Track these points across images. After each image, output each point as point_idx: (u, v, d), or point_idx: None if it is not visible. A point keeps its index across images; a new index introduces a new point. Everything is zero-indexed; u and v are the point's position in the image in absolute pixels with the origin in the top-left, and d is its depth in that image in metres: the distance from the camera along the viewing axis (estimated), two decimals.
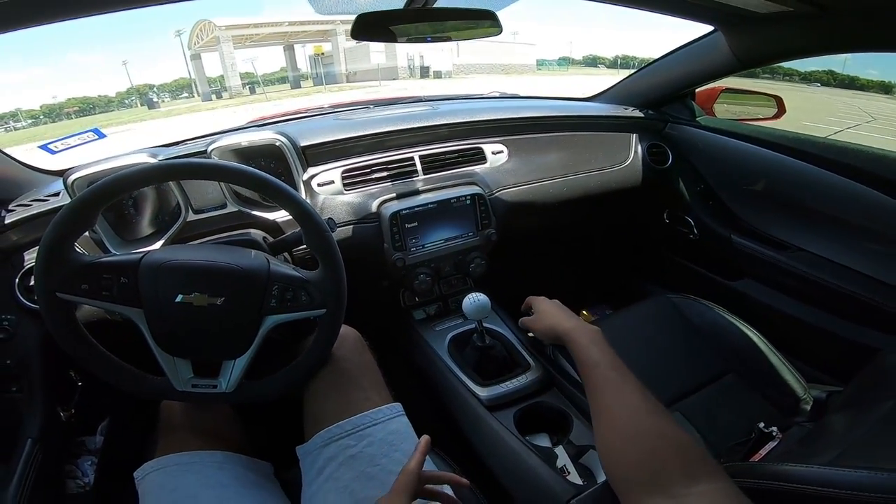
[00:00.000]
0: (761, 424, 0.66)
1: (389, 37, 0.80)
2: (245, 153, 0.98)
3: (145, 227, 0.95)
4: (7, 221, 0.86)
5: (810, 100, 15.52)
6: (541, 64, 45.77)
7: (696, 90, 1.47)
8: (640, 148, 1.42)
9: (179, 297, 0.63)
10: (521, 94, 1.73)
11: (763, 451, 0.63)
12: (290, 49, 33.40)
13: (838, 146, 1.15)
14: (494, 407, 0.87)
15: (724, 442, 0.78)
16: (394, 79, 28.52)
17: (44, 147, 1.11)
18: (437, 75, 30.53)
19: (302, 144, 1.03)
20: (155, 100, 35.55)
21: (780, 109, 1.50)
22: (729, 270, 1.35)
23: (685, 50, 1.32)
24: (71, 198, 0.86)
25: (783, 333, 1.07)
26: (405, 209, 1.04)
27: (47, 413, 0.84)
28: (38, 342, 0.86)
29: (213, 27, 26.47)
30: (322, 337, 0.71)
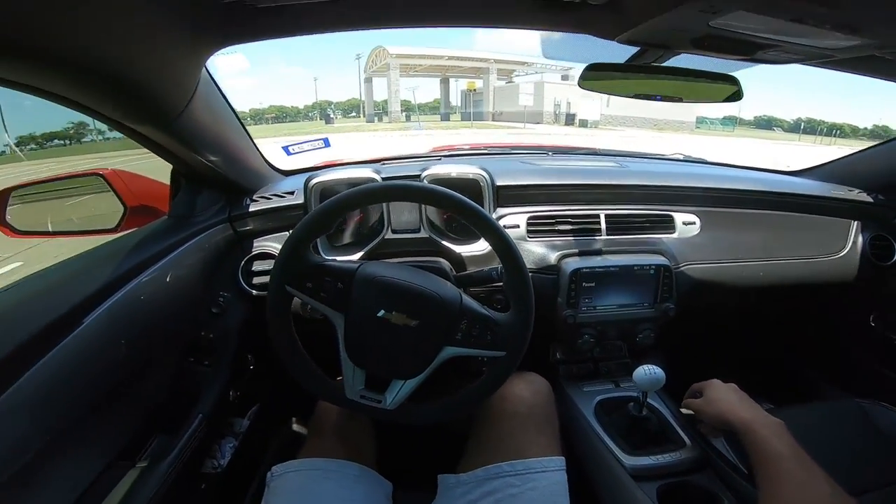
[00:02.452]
0: None
1: (618, 90, 0.78)
2: (449, 183, 1.00)
3: (348, 236, 1.05)
4: (251, 209, 0.99)
5: None
6: (700, 122, 41.95)
7: None
8: (861, 238, 1.21)
9: (381, 312, 0.67)
10: (709, 160, 1.58)
11: None
12: (445, 82, 36.35)
13: None
14: (639, 477, 0.81)
15: None
16: (538, 123, 28.93)
17: (284, 149, 1.31)
18: (583, 124, 30.22)
19: (498, 184, 1.04)
20: (331, 116, 41.44)
21: None
22: None
23: None
24: (306, 199, 0.98)
25: None
26: (586, 268, 1.00)
27: (222, 392, 0.90)
28: (239, 323, 0.94)
29: (387, 54, 30.06)
30: (493, 377, 0.72)
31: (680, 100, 0.79)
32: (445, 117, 36.05)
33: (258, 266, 0.98)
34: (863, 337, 1.30)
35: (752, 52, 0.68)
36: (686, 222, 1.11)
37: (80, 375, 0.56)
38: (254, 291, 0.97)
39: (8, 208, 0.92)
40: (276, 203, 1.01)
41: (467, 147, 1.44)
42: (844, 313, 1.36)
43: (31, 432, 0.49)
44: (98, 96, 0.59)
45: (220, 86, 0.82)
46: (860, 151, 1.32)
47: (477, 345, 0.69)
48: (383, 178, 1.00)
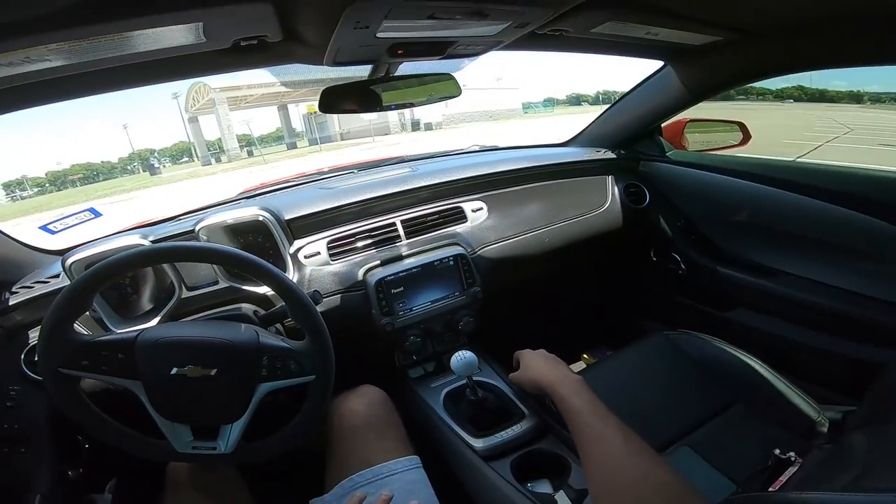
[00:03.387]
0: (777, 451, 0.64)
1: (355, 108, 0.84)
2: (233, 230, 1.02)
3: (143, 305, 1.00)
4: (11, 303, 0.92)
5: (787, 116, 15.88)
6: (527, 107, 47.32)
7: (662, 125, 1.51)
8: (616, 189, 1.45)
9: (174, 370, 0.69)
10: (500, 146, 1.77)
11: (783, 478, 0.61)
12: (283, 109, 34.76)
13: (806, 168, 1.19)
14: (491, 457, 0.87)
15: (741, 472, 0.77)
16: (386, 133, 29.38)
17: (44, 228, 1.17)
18: (428, 127, 31.63)
19: (286, 217, 1.06)
20: (156, 165, 36.69)
21: (745, 136, 1.52)
22: (721, 302, 1.34)
23: (642, 87, 1.37)
24: (70, 280, 0.91)
25: (785, 358, 1.06)
26: (390, 275, 1.06)
27: (56, 471, 0.87)
28: (45, 410, 0.90)
29: (209, 90, 27.66)
30: (312, 401, 0.76)
31: (411, 105, 0.89)
32: (292, 145, 34.48)
33: None
34: (652, 272, 1.54)
35: (442, 50, 0.78)
36: (475, 209, 1.24)
37: None
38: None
39: None
40: (39, 290, 0.93)
41: (272, 183, 1.42)
42: (633, 256, 1.58)
43: None
44: None
45: None
46: (600, 115, 1.57)
47: (285, 375, 0.73)
48: (152, 241, 0.95)
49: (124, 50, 0.59)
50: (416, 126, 32.07)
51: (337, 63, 0.74)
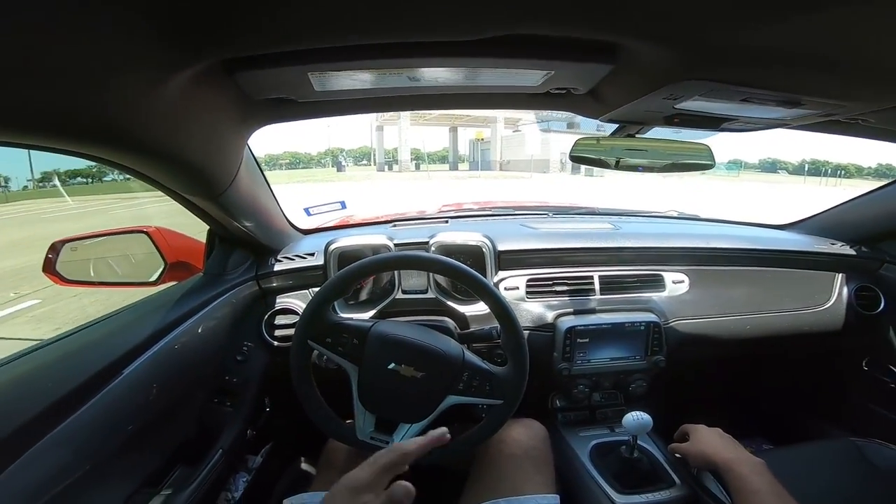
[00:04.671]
0: None
1: (604, 164, 0.89)
2: (455, 250, 1.13)
3: (363, 295, 1.16)
4: (276, 269, 1.10)
5: None
6: None
7: None
8: (846, 290, 1.27)
9: (392, 365, 0.78)
10: (702, 217, 1.67)
11: None
12: (454, 131, 37.49)
13: None
14: None
15: None
16: (544, 171, 29.31)
17: (306, 210, 1.46)
18: (590, 173, 30.81)
19: (499, 249, 1.14)
20: (343, 163, 42.73)
21: None
22: None
23: None
24: (326, 261, 1.09)
25: None
26: (580, 325, 1.09)
27: (240, 431, 0.97)
28: (260, 370, 1.04)
29: None
30: (491, 422, 0.81)
31: (657, 170, 0.90)
32: (454, 166, 36.99)
33: (280, 320, 1.08)
34: (857, 380, 1.34)
35: (717, 125, 0.79)
36: (675, 281, 1.19)
37: (119, 416, 0.65)
38: (275, 343, 1.06)
39: (59, 259, 1.02)
40: (297, 264, 1.12)
41: (472, 209, 1.57)
42: (837, 359, 1.40)
43: (73, 461, 0.56)
44: (160, 172, 0.70)
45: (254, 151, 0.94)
46: (842, 204, 1.40)
47: (477, 394, 0.80)
48: (395, 245, 1.12)
49: (474, 80, 0.68)
50: (575, 169, 31.50)
51: (611, 120, 0.79)
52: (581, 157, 0.89)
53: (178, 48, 0.44)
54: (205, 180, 0.76)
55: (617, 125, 0.84)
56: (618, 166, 0.88)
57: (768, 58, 0.49)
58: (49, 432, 0.54)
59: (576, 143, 0.87)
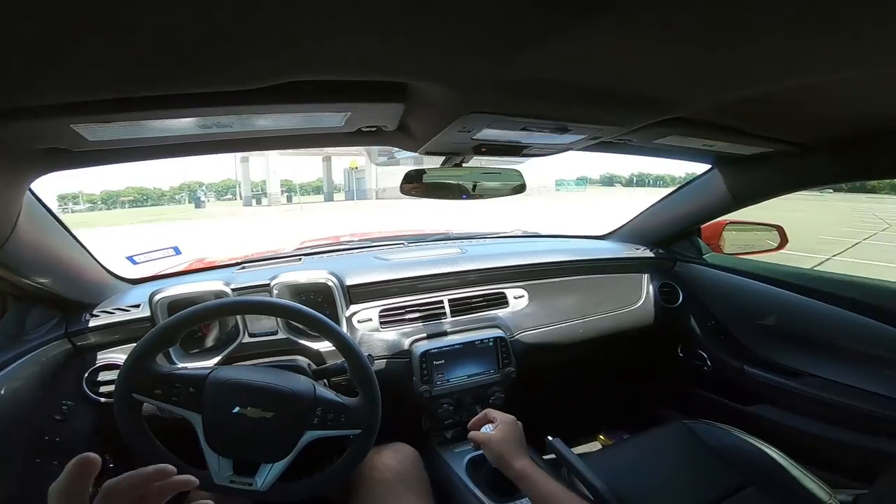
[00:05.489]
0: None
1: (432, 195, 0.94)
2: (300, 289, 1.12)
3: (206, 343, 1.10)
4: (91, 325, 1.00)
5: (825, 210, 15.77)
6: (559, 184, 48.12)
7: (702, 226, 1.58)
8: (651, 288, 1.52)
9: (237, 409, 0.77)
10: (543, 234, 1.87)
11: None
12: (327, 160, 36.63)
13: (834, 279, 1.25)
14: None
15: None
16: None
17: (129, 258, 1.32)
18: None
19: (347, 283, 1.16)
20: (202, 199, 38.67)
21: (783, 240, 1.57)
22: (743, 397, 1.37)
23: (688, 188, 1.45)
24: (152, 313, 1.02)
25: (800, 448, 1.09)
26: (434, 349, 1.14)
27: None
28: (89, 429, 0.96)
29: None
30: (355, 451, 0.83)
31: (480, 197, 0.96)
32: (329, 196, 36.02)
33: (105, 376, 1.00)
34: (677, 367, 1.58)
35: (518, 152, 0.88)
36: (517, 296, 1.32)
37: None
38: (102, 399, 0.99)
39: None
40: (119, 317, 1.03)
41: (329, 244, 1.54)
42: (657, 349, 1.63)
43: None
44: None
45: (47, 202, 0.83)
46: (643, 212, 1.65)
47: (334, 426, 0.81)
48: (233, 290, 1.06)
49: (279, 125, 0.69)
50: None
51: (428, 153, 0.85)
52: (412, 190, 0.92)
53: None
54: None
55: (442, 157, 0.90)
56: (444, 195, 0.93)
57: (529, 89, 0.56)
58: None
59: (406, 175, 0.91)
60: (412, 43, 0.43)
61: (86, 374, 0.99)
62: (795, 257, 6.27)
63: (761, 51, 0.48)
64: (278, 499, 0.81)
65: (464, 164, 0.93)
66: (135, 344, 0.97)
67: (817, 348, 1.23)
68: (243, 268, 1.27)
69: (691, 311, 1.51)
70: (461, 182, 0.93)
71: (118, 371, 0.93)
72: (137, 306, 1.05)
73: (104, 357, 1.01)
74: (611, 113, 0.69)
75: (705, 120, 0.84)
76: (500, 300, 1.29)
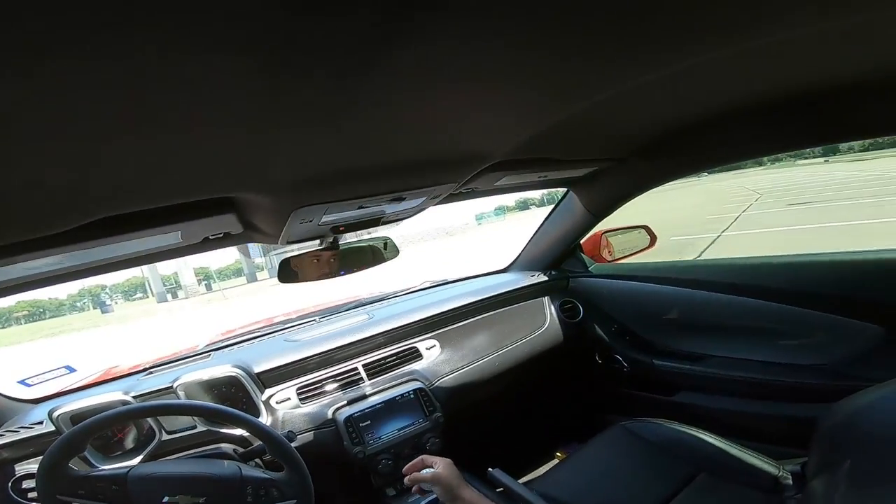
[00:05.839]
0: None
1: (312, 278, 0.99)
2: (208, 385, 1.13)
3: (125, 445, 1.08)
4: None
5: (704, 192, 17.21)
6: (480, 218, 50.66)
7: (581, 242, 1.70)
8: (553, 308, 1.64)
9: (167, 499, 0.79)
10: (450, 279, 1.93)
11: None
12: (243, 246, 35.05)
13: (710, 265, 1.40)
14: None
15: None
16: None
17: (21, 382, 1.29)
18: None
19: (256, 371, 1.19)
20: (108, 303, 35.01)
21: (652, 238, 1.73)
22: (665, 389, 1.47)
23: (555, 212, 1.58)
24: (55, 427, 1.00)
25: (734, 427, 1.17)
26: (357, 412, 1.18)
27: None
28: None
29: None
30: None
31: (355, 270, 1.03)
32: (252, 277, 34.27)
33: (29, 484, 0.98)
34: (601, 373, 1.66)
35: (376, 223, 0.94)
36: (428, 347, 1.39)
37: None
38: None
39: None
40: (25, 434, 1.00)
41: (238, 335, 1.53)
42: (576, 363, 1.71)
43: None
44: None
45: None
46: (530, 240, 1.75)
47: (268, 501, 0.84)
48: (135, 396, 1.06)
49: (116, 252, 0.72)
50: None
51: (290, 242, 0.91)
52: (290, 276, 0.97)
53: None
54: None
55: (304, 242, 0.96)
56: (322, 276, 0.99)
57: (349, 175, 0.61)
58: None
59: (282, 263, 0.97)
60: (227, 161, 0.47)
61: (9, 484, 0.97)
62: (693, 241, 6.98)
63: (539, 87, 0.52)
64: None
65: (339, 243, 0.99)
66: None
67: (711, 331, 1.37)
68: (150, 373, 1.24)
69: (594, 320, 1.64)
70: (328, 260, 0.99)
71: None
72: (41, 423, 1.01)
73: (24, 468, 0.99)
74: (435, 174, 0.75)
75: (523, 158, 0.92)
76: (413, 354, 1.36)
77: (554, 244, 1.70)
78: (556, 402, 1.89)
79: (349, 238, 1.00)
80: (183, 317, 15.77)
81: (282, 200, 0.64)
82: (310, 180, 0.60)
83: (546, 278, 1.71)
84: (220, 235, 0.81)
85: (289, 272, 0.96)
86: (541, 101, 0.57)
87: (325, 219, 0.78)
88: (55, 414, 1.01)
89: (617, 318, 1.62)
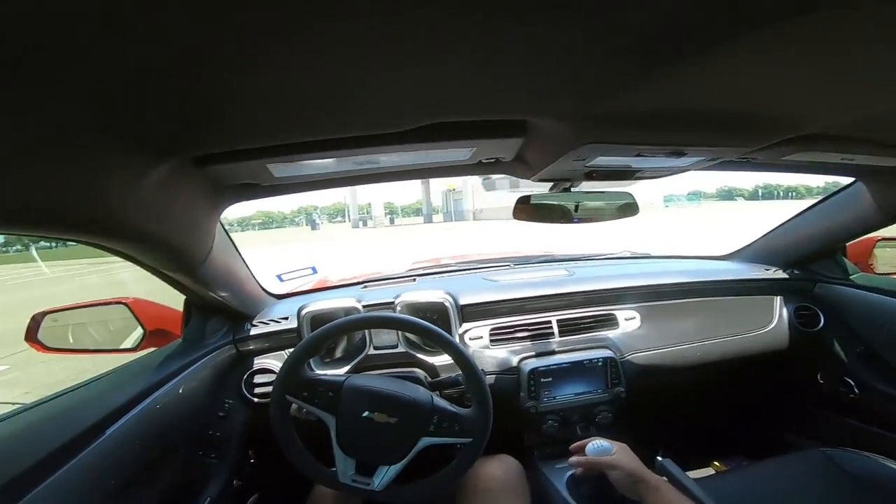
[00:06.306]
0: None
1: (546, 220, 0.97)
2: (419, 308, 1.22)
3: (338, 353, 1.23)
4: (252, 333, 1.18)
5: None
6: (668, 200, 44.20)
7: (847, 244, 1.43)
8: (785, 311, 1.40)
9: (366, 413, 0.86)
10: (653, 254, 1.79)
11: None
12: (426, 183, 38.35)
13: None
14: None
15: None
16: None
17: (278, 276, 1.54)
18: None
19: (461, 303, 1.24)
20: (317, 221, 42.82)
21: None
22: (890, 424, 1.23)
23: (828, 202, 1.33)
24: (299, 324, 1.18)
25: None
26: (542, 366, 1.18)
27: (227, 481, 1.03)
28: (242, 425, 1.10)
29: None
30: (464, 459, 0.89)
31: (591, 220, 0.98)
32: (428, 218, 37.47)
33: (259, 379, 1.15)
34: (816, 393, 1.42)
35: (630, 176, 0.89)
36: (627, 318, 1.30)
37: (103, 472, 0.68)
38: (255, 399, 1.14)
39: (41, 328, 1.07)
40: (272, 328, 1.19)
41: (439, 265, 1.65)
42: (792, 375, 1.49)
43: None
44: (143, 254, 0.76)
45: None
46: (773, 230, 1.52)
47: (448, 434, 0.88)
48: (364, 306, 1.21)
49: (411, 160, 0.79)
50: None
51: (541, 180, 0.90)
52: (526, 215, 0.97)
53: (154, 152, 0.54)
54: (182, 258, 0.83)
55: (550, 183, 0.94)
56: (557, 220, 0.96)
57: (645, 119, 0.59)
58: (32, 490, 0.57)
59: (519, 201, 0.96)
60: (530, 84, 0.49)
61: (245, 377, 1.14)
62: None
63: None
64: (391, 499, 0.89)
65: (572, 189, 0.95)
66: (282, 351, 1.18)
67: None
68: (366, 287, 1.42)
69: (835, 335, 1.36)
70: (569, 205, 0.96)
71: (273, 375, 1.10)
72: (286, 318, 1.20)
73: (260, 362, 1.16)
74: (731, 136, 0.68)
75: (840, 134, 0.79)
76: (610, 321, 1.29)
77: (810, 239, 1.42)
78: (742, 409, 1.67)
79: (584, 187, 0.95)
80: (371, 241, 18.23)
81: (572, 131, 0.63)
82: (610, 116, 0.58)
83: (786, 276, 1.45)
84: (493, 161, 0.84)
85: (527, 210, 0.95)
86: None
87: (595, 161, 0.75)
88: (303, 312, 1.17)
89: (866, 339, 1.30)
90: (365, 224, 37.10)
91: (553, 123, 0.61)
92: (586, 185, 0.95)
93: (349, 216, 42.60)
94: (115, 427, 0.73)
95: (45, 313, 1.09)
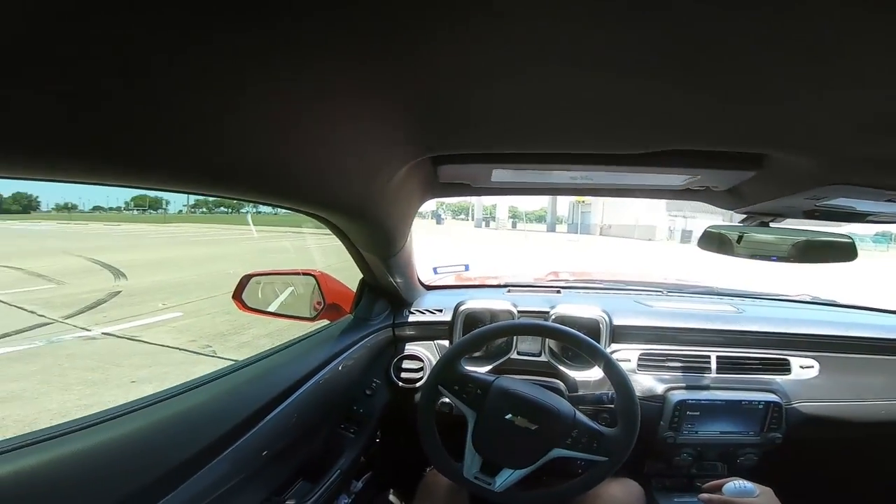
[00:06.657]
0: None
1: (731, 251, 0.85)
2: (573, 321, 1.19)
3: (481, 351, 1.27)
4: (409, 320, 1.25)
5: None
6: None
7: None
8: None
9: (509, 416, 0.88)
10: (839, 302, 1.59)
11: None
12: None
13: None
14: None
15: None
16: (650, 239, 26.17)
17: (434, 269, 1.59)
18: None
19: (615, 323, 1.21)
20: (442, 216, 44.64)
21: None
22: None
23: None
24: (453, 318, 1.23)
25: None
26: (691, 399, 1.13)
27: (358, 455, 1.04)
28: (383, 405, 1.15)
29: None
30: (593, 476, 0.89)
31: (791, 261, 0.81)
32: (552, 227, 36.25)
33: (407, 364, 1.21)
34: None
35: (861, 219, 0.80)
36: (803, 366, 1.20)
37: (267, 441, 0.72)
38: (400, 383, 1.20)
39: (245, 289, 1.16)
40: (427, 318, 1.26)
41: (582, 282, 1.63)
42: None
43: (230, 472, 0.64)
44: (356, 234, 0.83)
45: None
46: None
47: (584, 450, 0.88)
48: (519, 312, 1.24)
49: (619, 180, 0.78)
50: (685, 238, 27.87)
51: (744, 211, 0.82)
52: (711, 245, 0.88)
53: (420, 150, 0.61)
54: (385, 243, 0.89)
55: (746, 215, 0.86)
56: (751, 256, 0.84)
57: None
58: (218, 456, 0.62)
59: (704, 233, 0.89)
60: (781, 115, 0.44)
61: (395, 360, 1.19)
62: None
63: None
64: (510, 502, 0.90)
65: (771, 224, 0.84)
66: (431, 341, 1.26)
67: None
68: (509, 290, 1.42)
69: None
70: (785, 243, 0.81)
71: (421, 363, 1.18)
72: (440, 311, 1.24)
73: (410, 349, 1.21)
74: None
75: None
76: (782, 366, 1.20)
77: None
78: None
79: (789, 223, 0.87)
80: (491, 241, 18.18)
81: (819, 170, 0.57)
82: (873, 157, 0.51)
83: None
84: (702, 189, 0.80)
85: (721, 242, 0.86)
86: None
87: (834, 202, 0.67)
88: (460, 308, 1.20)
89: None
90: (487, 225, 37.51)
91: (798, 159, 0.56)
92: (791, 222, 0.86)
93: (472, 215, 43.47)
94: (286, 403, 0.77)
95: (250, 276, 1.17)
